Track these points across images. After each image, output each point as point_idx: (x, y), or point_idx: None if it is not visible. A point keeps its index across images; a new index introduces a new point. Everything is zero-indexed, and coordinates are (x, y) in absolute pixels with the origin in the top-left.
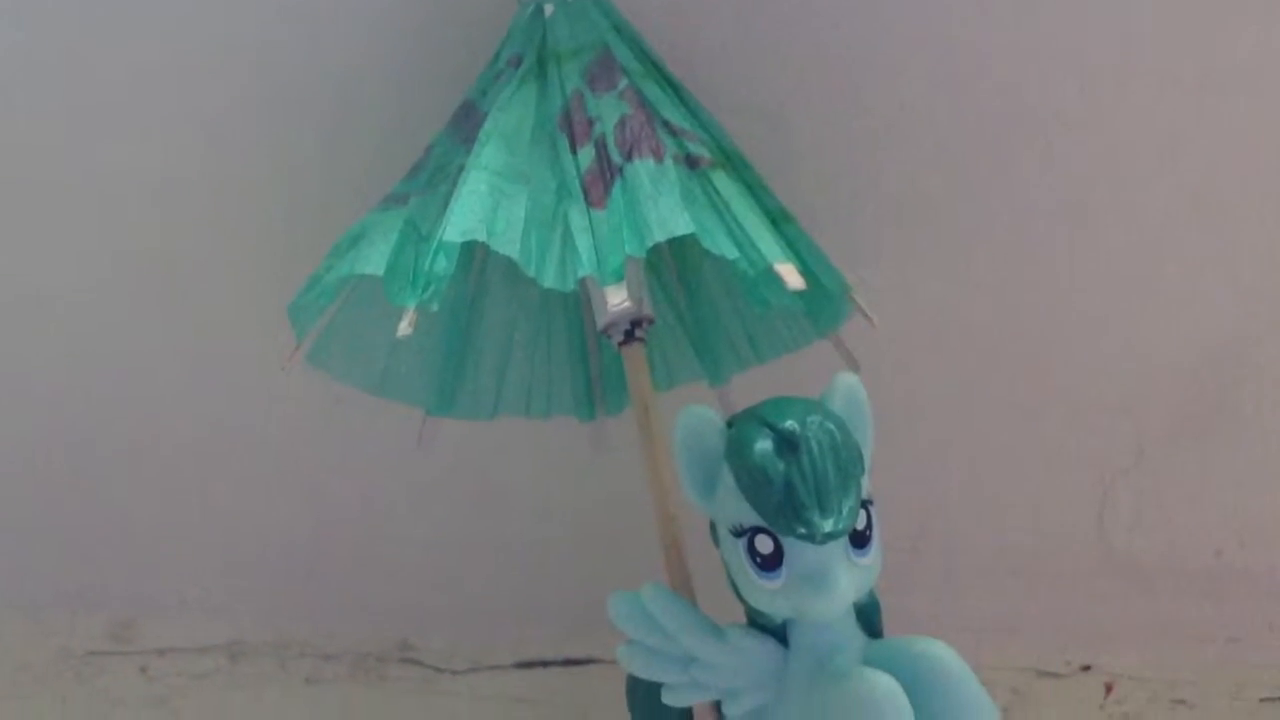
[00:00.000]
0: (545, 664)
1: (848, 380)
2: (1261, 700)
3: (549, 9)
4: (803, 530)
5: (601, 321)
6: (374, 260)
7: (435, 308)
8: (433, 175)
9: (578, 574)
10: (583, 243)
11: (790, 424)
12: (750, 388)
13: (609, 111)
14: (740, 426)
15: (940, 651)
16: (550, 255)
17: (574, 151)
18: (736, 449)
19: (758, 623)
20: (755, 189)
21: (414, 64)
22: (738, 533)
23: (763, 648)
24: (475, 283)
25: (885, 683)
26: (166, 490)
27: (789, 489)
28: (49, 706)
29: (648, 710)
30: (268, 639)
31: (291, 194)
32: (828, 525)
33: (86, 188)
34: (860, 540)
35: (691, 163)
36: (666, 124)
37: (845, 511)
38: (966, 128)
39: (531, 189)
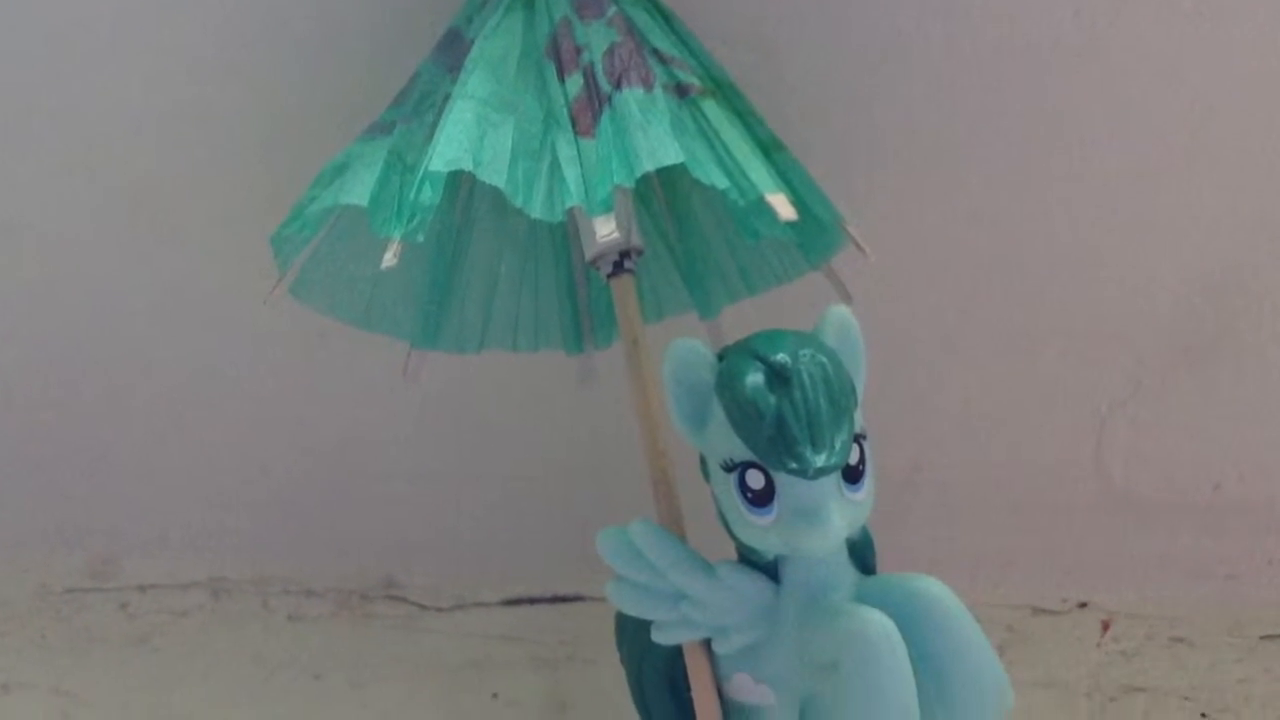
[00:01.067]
0: (532, 601)
1: (840, 312)
2: (1261, 637)
3: None
4: (794, 465)
5: (590, 253)
6: (358, 190)
7: (420, 239)
8: (418, 104)
9: (565, 510)
10: (570, 172)
11: (782, 357)
12: (741, 320)
13: (597, 39)
14: (731, 359)
15: (934, 588)
16: (537, 185)
17: (561, 80)
18: (727, 382)
19: (749, 559)
20: (746, 117)
21: None
22: (728, 468)
23: (754, 585)
24: (461, 214)
25: (879, 620)
26: (146, 425)
27: (780, 423)
28: (28, 644)
29: (637, 648)
30: (250, 575)
31: (274, 123)
32: (820, 460)
33: (64, 119)
34: (853, 475)
35: (681, 91)
36: (656, 52)
37: (838, 446)
38: (961, 56)
39: (518, 118)
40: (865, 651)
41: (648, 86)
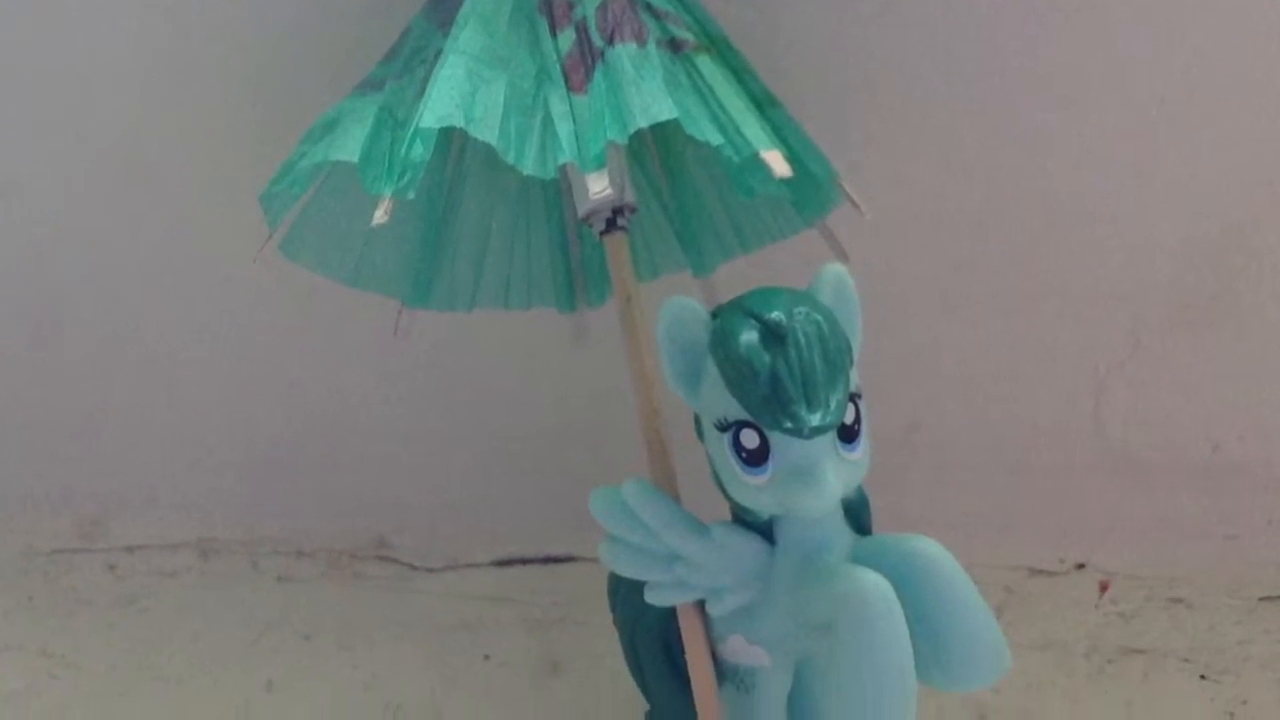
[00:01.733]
0: (524, 561)
1: (836, 270)
2: (1260, 599)
3: None
4: (789, 424)
5: (583, 209)
6: (349, 147)
7: (411, 196)
8: (409, 59)
9: (558, 469)
10: (563, 129)
11: (776, 315)
12: (735, 278)
13: None
14: (725, 318)
15: (931, 549)
16: (530, 142)
17: (554, 35)
18: (721, 341)
19: (743, 520)
20: (741, 73)
21: None
22: (722, 427)
23: (748, 545)
24: (453, 170)
25: (874, 581)
26: (135, 384)
27: (775, 382)
28: (15, 606)
29: (630, 610)
30: (239, 536)
31: (263, 79)
32: (815, 419)
33: (52, 76)
34: (848, 435)
35: (675, 47)
36: (650, 7)
37: (833, 405)
38: (957, 11)
39: (510, 74)
40: (861, 613)
41: (641, 42)
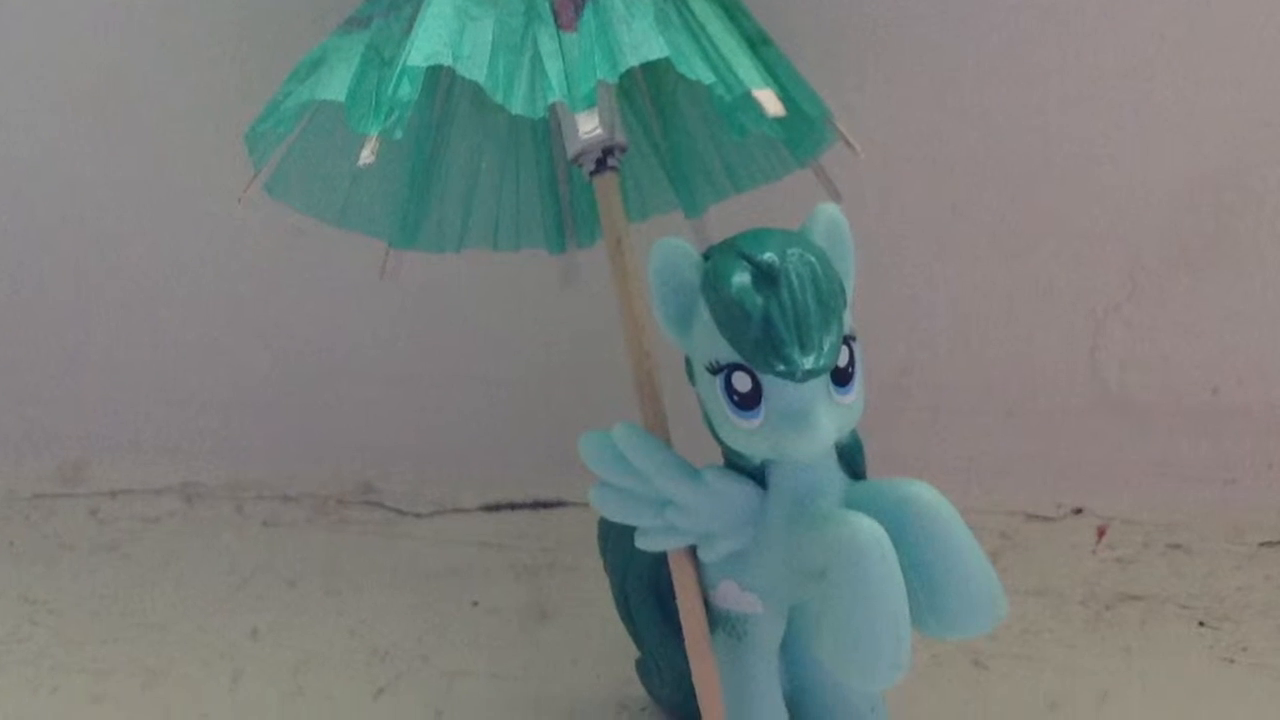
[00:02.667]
0: (513, 507)
1: (829, 210)
2: (1261, 544)
3: None
4: (782, 367)
5: (572, 150)
6: (335, 86)
7: (399, 135)
8: None
9: (547, 413)
10: (552, 67)
11: (769, 256)
12: (727, 219)
13: None
14: (717, 259)
15: (926, 494)
16: (519, 80)
17: None
18: (713, 282)
19: (735, 464)
20: (732, 11)
21: None
22: (714, 370)
23: (740, 490)
24: (440, 110)
25: (868, 526)
26: (118, 326)
27: (767, 324)
28: None
29: (620, 555)
30: (224, 481)
31: (248, 16)
32: (808, 362)
33: (30, 9)
34: (842, 378)
35: None
36: None
37: (826, 347)
38: None
39: (499, 11)
40: (854, 558)
41: None
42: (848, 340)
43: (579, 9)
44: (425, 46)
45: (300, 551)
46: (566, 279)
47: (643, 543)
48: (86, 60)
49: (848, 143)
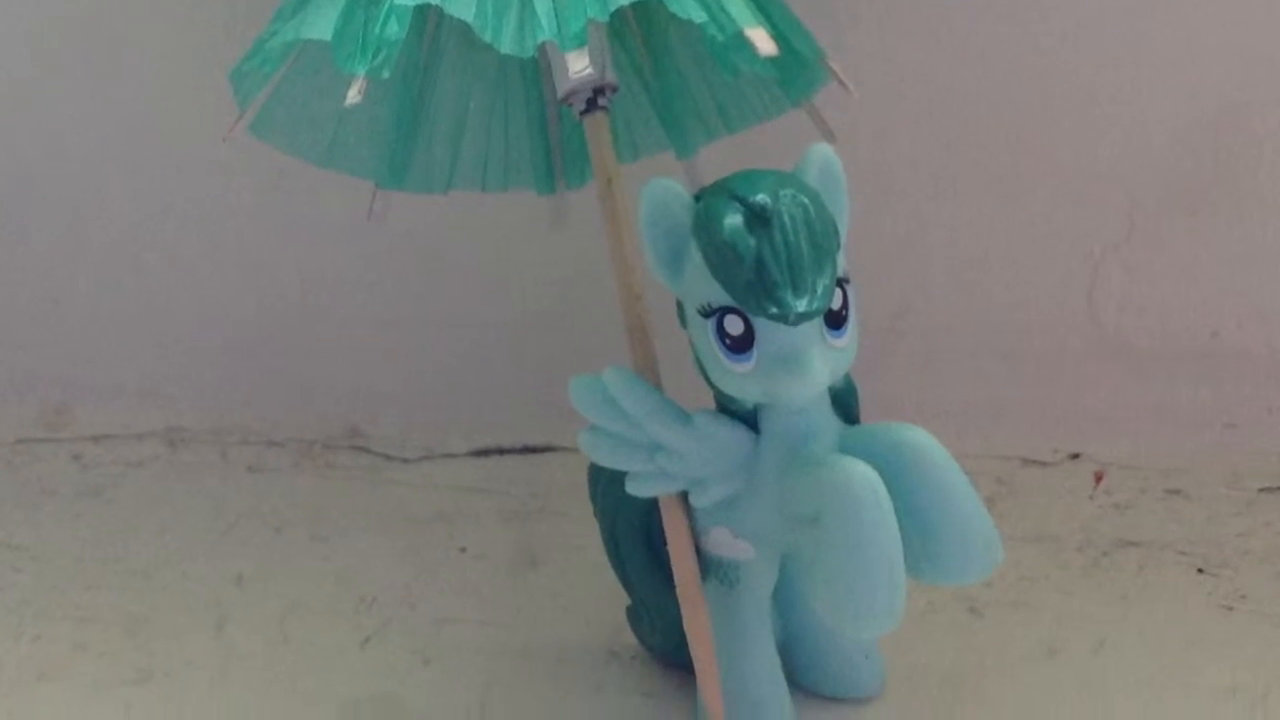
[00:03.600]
0: (501, 451)
1: (822, 151)
2: (1260, 490)
3: None
4: (775, 310)
5: (562, 89)
6: (321, 25)
7: (386, 75)
8: None
9: (536, 357)
10: (542, 6)
11: (761, 197)
12: (719, 160)
13: None
14: (708, 200)
15: (921, 439)
16: (507, 19)
17: None
18: (704, 224)
19: (727, 408)
20: None
21: None
22: (706, 313)
23: (732, 434)
24: (428, 49)
25: (862, 471)
26: (100, 268)
27: (760, 266)
28: None
29: (611, 502)
30: (208, 426)
31: None
32: (801, 304)
33: None
34: (836, 321)
35: None
36: None
37: (820, 290)
38: None
39: None
40: (848, 504)
41: None
42: (841, 283)
43: None
44: None
45: (286, 497)
46: (556, 220)
47: (633, 488)
48: None
49: (841, 83)
